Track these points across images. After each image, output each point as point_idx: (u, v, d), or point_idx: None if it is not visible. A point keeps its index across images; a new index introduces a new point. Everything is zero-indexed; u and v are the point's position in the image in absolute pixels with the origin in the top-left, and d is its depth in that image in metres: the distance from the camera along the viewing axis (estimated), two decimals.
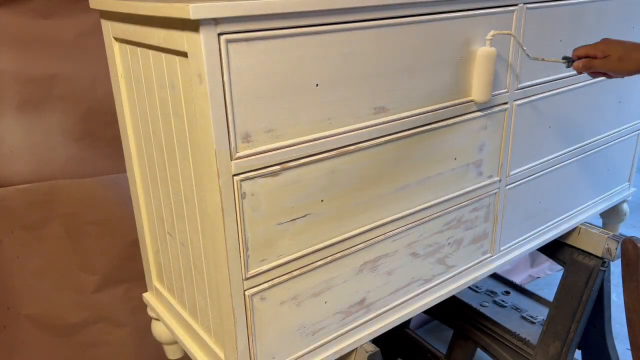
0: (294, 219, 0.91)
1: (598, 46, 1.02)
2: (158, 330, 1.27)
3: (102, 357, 1.68)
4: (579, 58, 1.05)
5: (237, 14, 0.74)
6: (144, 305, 1.30)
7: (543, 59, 1.13)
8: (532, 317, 1.69)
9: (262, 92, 0.81)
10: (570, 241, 1.63)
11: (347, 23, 0.87)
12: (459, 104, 1.09)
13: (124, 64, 1.04)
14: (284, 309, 0.95)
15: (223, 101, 0.77)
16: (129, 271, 1.61)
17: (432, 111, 1.05)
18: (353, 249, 1.02)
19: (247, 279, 0.88)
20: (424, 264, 1.18)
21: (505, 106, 1.19)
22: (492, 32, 1.07)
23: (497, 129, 1.20)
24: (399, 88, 0.98)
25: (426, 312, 1.27)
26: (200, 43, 0.73)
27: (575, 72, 1.10)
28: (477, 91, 1.09)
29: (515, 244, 1.40)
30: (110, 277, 1.61)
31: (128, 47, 0.99)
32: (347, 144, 0.93)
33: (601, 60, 1.01)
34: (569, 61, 1.08)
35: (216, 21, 0.73)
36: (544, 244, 1.49)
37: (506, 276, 1.98)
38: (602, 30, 1.36)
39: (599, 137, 1.51)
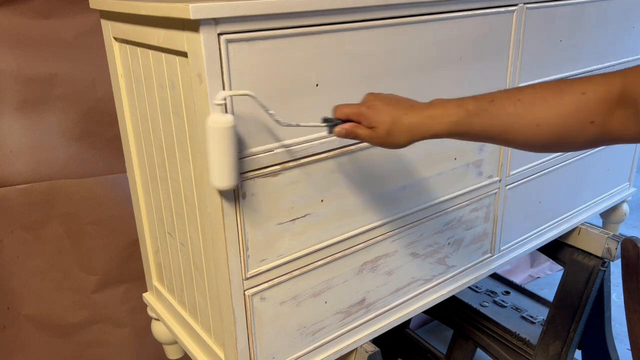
0: (294, 219, 0.91)
1: (362, 110, 0.77)
2: (158, 330, 1.27)
3: (102, 357, 1.68)
4: (343, 121, 0.79)
5: (237, 14, 0.74)
6: (144, 305, 1.30)
7: (298, 125, 0.83)
8: (532, 317, 1.69)
9: (262, 92, 0.81)
10: (570, 241, 1.64)
11: (347, 23, 0.87)
12: None
13: (124, 64, 1.04)
14: (284, 309, 0.95)
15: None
16: (129, 271, 1.61)
17: None
18: (353, 249, 1.02)
19: (247, 279, 0.88)
20: (424, 264, 1.18)
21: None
22: (221, 94, 0.75)
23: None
24: (399, 88, 0.98)
25: (426, 312, 1.27)
26: (200, 43, 0.73)
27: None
28: (213, 176, 0.78)
29: (515, 244, 1.40)
30: (110, 277, 1.61)
31: (128, 47, 1.00)
32: (347, 144, 0.93)
33: (367, 132, 0.77)
34: (330, 125, 0.80)
35: (216, 21, 0.73)
36: (544, 244, 1.49)
37: (506, 276, 1.98)
38: (602, 31, 1.36)
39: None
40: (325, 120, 0.80)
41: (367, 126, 0.77)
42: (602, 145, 0.70)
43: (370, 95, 0.79)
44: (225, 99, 0.75)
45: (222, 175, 0.76)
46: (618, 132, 0.65)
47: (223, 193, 0.81)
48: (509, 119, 0.69)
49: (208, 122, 0.74)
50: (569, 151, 0.71)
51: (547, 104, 0.67)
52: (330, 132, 0.81)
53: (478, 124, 0.71)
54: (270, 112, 0.79)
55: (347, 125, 0.78)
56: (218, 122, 0.73)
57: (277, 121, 0.80)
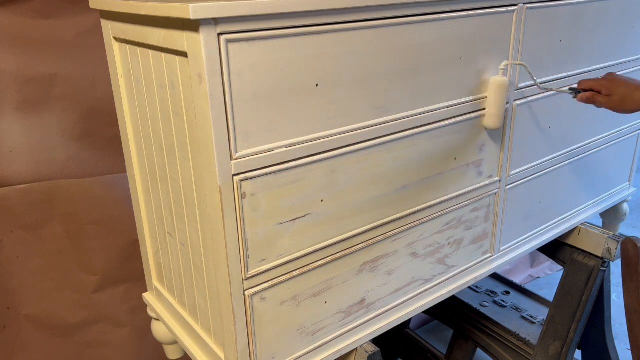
0: (294, 219, 0.91)
1: (603, 82, 1.07)
2: (158, 330, 1.27)
3: (102, 357, 1.68)
4: (584, 90, 1.10)
5: (237, 14, 0.74)
6: (144, 305, 1.30)
7: (552, 90, 1.21)
8: (532, 317, 1.69)
9: (262, 92, 0.81)
10: (570, 241, 1.63)
11: (347, 23, 0.87)
12: (458, 104, 1.09)
13: (124, 64, 1.04)
14: (284, 309, 0.95)
15: (223, 101, 0.77)
16: (129, 271, 1.61)
17: (432, 111, 1.05)
18: (353, 249, 1.02)
19: (247, 279, 0.88)
20: (424, 264, 1.18)
21: (505, 106, 1.19)
22: (504, 63, 1.12)
23: (497, 129, 1.20)
24: (399, 88, 0.98)
25: (426, 312, 1.27)
26: (200, 43, 0.73)
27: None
28: (490, 119, 1.14)
29: (515, 244, 1.40)
30: (110, 277, 1.61)
31: (128, 47, 1.00)
32: (347, 144, 0.93)
33: (604, 98, 1.06)
34: (575, 92, 1.13)
35: (216, 21, 0.73)
36: (544, 244, 1.49)
37: (506, 276, 1.98)
38: (602, 31, 1.36)
39: (599, 137, 1.51)
40: (571, 89, 1.14)
41: (606, 94, 1.06)
42: None
43: (609, 75, 1.09)
44: (505, 66, 1.12)
45: (497, 120, 1.12)
46: None
47: (223, 193, 0.81)
48: None
49: (492, 82, 1.10)
50: None
51: None
52: (575, 97, 1.12)
53: None
54: (535, 78, 1.17)
55: (588, 94, 1.09)
56: (501, 81, 1.10)
57: (538, 86, 1.19)
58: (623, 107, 1.05)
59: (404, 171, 1.05)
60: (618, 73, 1.12)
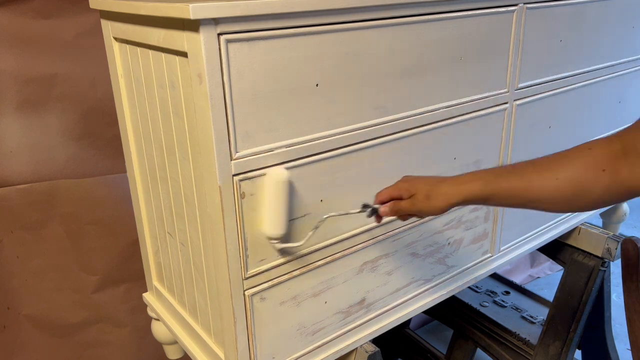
0: (294, 219, 0.91)
1: (400, 186, 0.88)
2: (158, 330, 1.27)
3: (102, 357, 1.68)
4: (382, 203, 0.89)
5: (237, 14, 0.74)
6: (144, 305, 1.30)
7: (339, 214, 0.94)
8: (532, 317, 1.69)
9: (262, 92, 0.81)
10: (570, 241, 1.63)
11: (347, 23, 0.87)
12: (459, 104, 1.09)
13: (124, 64, 1.04)
14: (283, 309, 0.95)
15: (223, 101, 0.77)
16: (129, 271, 1.61)
17: (432, 111, 1.05)
18: (353, 249, 1.02)
19: (247, 278, 0.88)
20: (424, 264, 1.18)
21: (505, 106, 1.19)
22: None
23: (497, 129, 1.20)
24: (399, 88, 0.98)
25: (426, 312, 1.27)
26: (200, 43, 0.73)
27: (380, 220, 0.93)
28: (267, 224, 0.87)
29: (515, 244, 1.40)
30: (110, 277, 1.61)
31: (128, 47, 1.00)
32: (347, 144, 0.93)
33: (408, 202, 0.87)
34: (370, 210, 0.90)
35: (216, 21, 0.73)
36: (544, 244, 1.49)
37: (506, 276, 1.98)
38: (602, 31, 1.36)
39: (598, 137, 1.51)
40: (365, 205, 0.90)
41: (407, 197, 0.87)
42: (623, 198, 0.78)
43: (404, 177, 0.91)
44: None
45: (275, 225, 0.86)
46: (630, 180, 0.73)
47: (223, 193, 0.81)
48: (531, 176, 0.80)
49: (267, 177, 0.84)
50: (592, 208, 0.81)
51: (562, 160, 0.80)
52: (370, 215, 0.90)
53: (505, 182, 0.81)
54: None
55: (389, 204, 0.88)
56: (276, 176, 0.84)
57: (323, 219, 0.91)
58: (430, 204, 0.85)
59: (403, 171, 1.05)
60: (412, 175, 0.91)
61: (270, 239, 0.87)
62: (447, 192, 0.84)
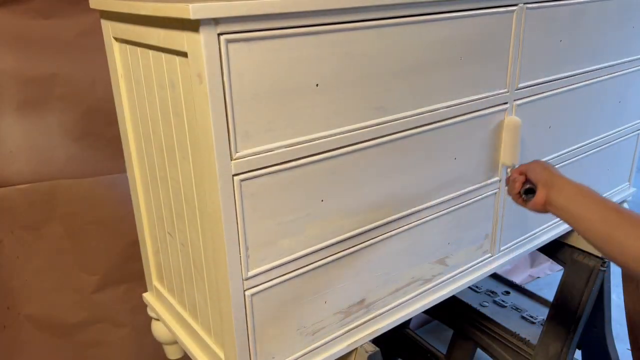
0: (294, 219, 0.91)
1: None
2: (158, 330, 1.27)
3: (102, 357, 1.68)
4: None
5: (237, 14, 0.74)
6: (144, 305, 1.30)
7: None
8: (532, 317, 1.69)
9: (262, 92, 0.81)
10: (570, 241, 1.63)
11: (347, 23, 0.86)
12: (458, 104, 1.09)
13: (124, 64, 1.04)
14: (284, 309, 0.95)
15: (223, 101, 0.77)
16: (129, 271, 1.61)
17: (432, 111, 1.05)
18: (353, 249, 1.02)
19: (247, 278, 0.88)
20: (424, 264, 1.18)
21: (505, 106, 1.19)
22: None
23: (497, 129, 1.20)
24: (399, 88, 0.98)
25: (426, 312, 1.27)
26: (200, 43, 0.73)
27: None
28: (506, 155, 1.19)
29: (515, 244, 1.40)
30: (110, 277, 1.61)
31: (128, 47, 1.00)
32: (347, 144, 0.93)
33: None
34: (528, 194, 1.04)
35: (216, 21, 0.73)
36: (544, 244, 1.49)
37: (506, 276, 1.98)
38: (602, 31, 1.36)
39: (599, 137, 1.51)
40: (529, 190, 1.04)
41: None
42: None
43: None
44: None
45: (513, 156, 1.18)
46: None
47: (223, 193, 0.81)
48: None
49: (506, 122, 1.17)
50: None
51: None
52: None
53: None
54: None
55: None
56: (515, 122, 1.17)
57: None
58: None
59: (403, 171, 1.05)
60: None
61: (508, 166, 1.18)
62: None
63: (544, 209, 0.96)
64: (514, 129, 1.18)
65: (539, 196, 0.97)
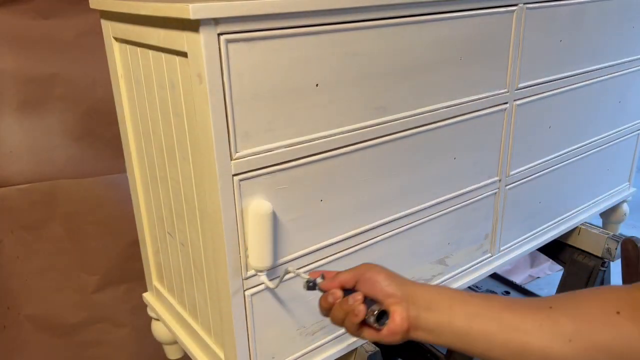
0: (294, 219, 0.91)
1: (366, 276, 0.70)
2: (158, 330, 1.27)
3: (102, 357, 1.68)
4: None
5: (237, 14, 0.74)
6: (144, 305, 1.30)
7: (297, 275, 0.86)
8: None
9: (262, 92, 0.81)
10: (570, 241, 1.63)
11: (347, 23, 0.86)
12: (459, 104, 1.09)
13: (124, 64, 1.04)
14: (284, 309, 0.95)
15: (223, 101, 0.77)
16: (129, 271, 1.61)
17: (432, 111, 1.05)
18: (353, 248, 1.02)
19: (247, 278, 0.88)
20: (424, 264, 1.18)
21: (505, 106, 1.19)
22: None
23: (497, 129, 1.20)
24: (399, 88, 0.98)
25: None
26: (200, 43, 0.73)
27: None
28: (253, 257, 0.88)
29: (515, 244, 1.40)
30: (110, 277, 1.61)
31: (128, 47, 1.00)
32: (347, 144, 0.93)
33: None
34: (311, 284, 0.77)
35: (216, 21, 0.73)
36: (544, 244, 1.48)
37: (506, 276, 1.98)
38: (602, 31, 1.36)
39: (598, 137, 1.51)
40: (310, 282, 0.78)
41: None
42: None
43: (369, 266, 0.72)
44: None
45: (261, 257, 0.86)
46: None
47: (223, 193, 0.81)
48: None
49: (250, 210, 0.83)
50: None
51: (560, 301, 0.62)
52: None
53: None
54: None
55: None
56: (260, 209, 0.83)
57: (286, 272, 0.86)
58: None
59: (403, 171, 1.05)
60: None
61: (257, 270, 0.87)
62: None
63: (406, 335, 0.69)
64: (261, 218, 0.85)
65: (399, 319, 0.67)
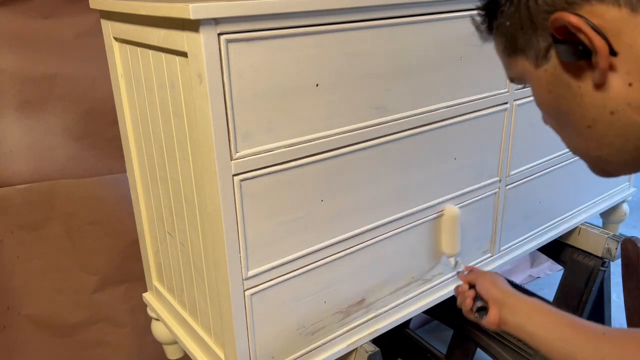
0: (294, 219, 0.91)
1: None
2: (158, 330, 1.27)
3: (102, 357, 1.68)
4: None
5: (237, 14, 0.74)
6: (144, 305, 1.30)
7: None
8: None
9: (262, 92, 0.81)
10: (570, 241, 1.63)
11: (347, 23, 0.87)
12: (459, 104, 1.09)
13: (124, 64, 1.04)
14: (284, 309, 0.95)
15: (223, 101, 0.77)
16: (129, 271, 1.61)
17: (431, 111, 1.05)
18: (353, 249, 1.02)
19: (247, 278, 0.88)
20: (424, 263, 1.18)
21: (505, 106, 1.19)
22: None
23: (497, 129, 1.20)
24: (399, 88, 0.98)
25: (426, 312, 1.27)
26: (200, 43, 0.73)
27: None
28: (447, 245, 1.17)
29: (515, 244, 1.40)
30: (110, 277, 1.61)
31: (128, 47, 1.00)
32: (347, 144, 0.93)
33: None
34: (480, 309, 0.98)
35: (216, 21, 0.73)
36: (544, 244, 1.49)
37: (506, 276, 1.98)
38: None
39: None
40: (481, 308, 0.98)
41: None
42: None
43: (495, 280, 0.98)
44: None
45: (454, 245, 1.17)
46: None
47: (223, 193, 0.81)
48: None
49: (446, 213, 1.15)
50: None
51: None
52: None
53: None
54: None
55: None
56: (453, 213, 1.15)
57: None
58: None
59: (403, 171, 1.05)
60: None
61: (449, 255, 1.17)
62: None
63: (498, 327, 0.92)
64: (453, 219, 1.15)
65: (492, 316, 0.92)
